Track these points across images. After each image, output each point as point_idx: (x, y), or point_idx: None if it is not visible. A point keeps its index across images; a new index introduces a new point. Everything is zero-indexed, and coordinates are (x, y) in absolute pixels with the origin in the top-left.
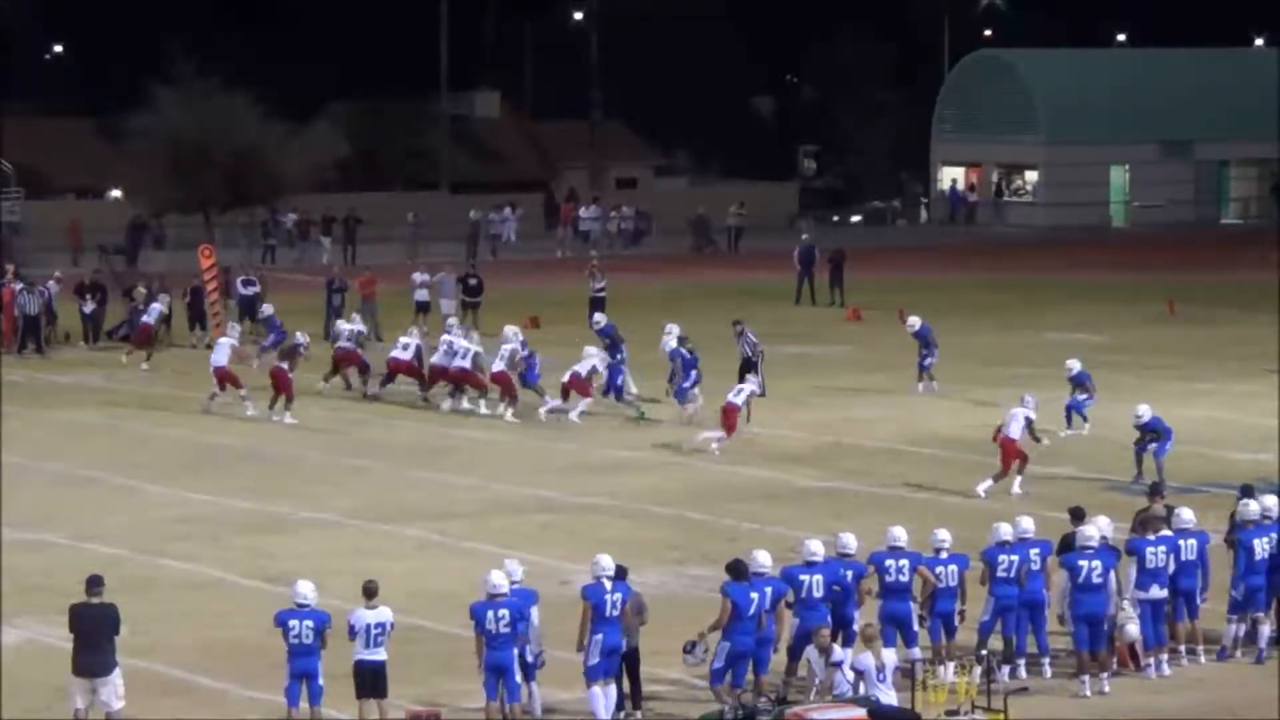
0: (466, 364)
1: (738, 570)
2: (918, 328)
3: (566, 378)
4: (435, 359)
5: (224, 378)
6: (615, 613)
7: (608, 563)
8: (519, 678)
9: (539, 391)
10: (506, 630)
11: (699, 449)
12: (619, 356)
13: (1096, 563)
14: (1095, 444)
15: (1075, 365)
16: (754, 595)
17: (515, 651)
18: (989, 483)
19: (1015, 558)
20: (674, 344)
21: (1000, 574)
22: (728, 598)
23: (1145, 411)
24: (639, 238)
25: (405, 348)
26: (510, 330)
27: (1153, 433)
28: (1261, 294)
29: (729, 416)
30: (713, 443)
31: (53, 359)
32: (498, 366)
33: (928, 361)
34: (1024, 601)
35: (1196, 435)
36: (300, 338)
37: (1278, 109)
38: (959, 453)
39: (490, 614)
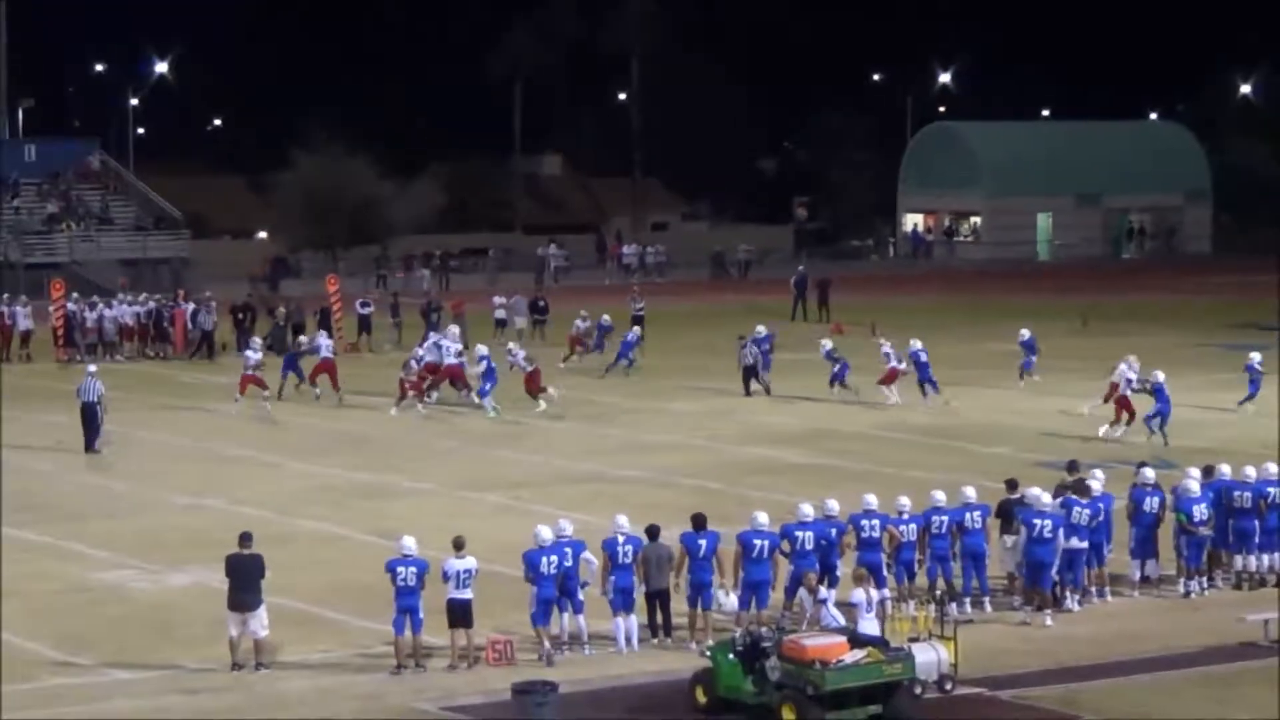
0: (456, 361)
1: (694, 521)
2: (1026, 338)
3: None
4: (428, 357)
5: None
6: (627, 560)
7: (623, 521)
8: (569, 610)
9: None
10: (554, 572)
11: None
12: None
13: (1048, 521)
14: (1027, 429)
15: (1025, 333)
16: (701, 541)
17: (555, 592)
18: (1107, 428)
19: (946, 518)
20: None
21: (934, 531)
22: (682, 545)
23: (1159, 376)
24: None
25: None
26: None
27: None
28: (1153, 312)
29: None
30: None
31: (214, 364)
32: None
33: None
34: (966, 552)
35: (1104, 423)
36: (321, 340)
37: (1167, 169)
38: (920, 437)
39: (544, 559)
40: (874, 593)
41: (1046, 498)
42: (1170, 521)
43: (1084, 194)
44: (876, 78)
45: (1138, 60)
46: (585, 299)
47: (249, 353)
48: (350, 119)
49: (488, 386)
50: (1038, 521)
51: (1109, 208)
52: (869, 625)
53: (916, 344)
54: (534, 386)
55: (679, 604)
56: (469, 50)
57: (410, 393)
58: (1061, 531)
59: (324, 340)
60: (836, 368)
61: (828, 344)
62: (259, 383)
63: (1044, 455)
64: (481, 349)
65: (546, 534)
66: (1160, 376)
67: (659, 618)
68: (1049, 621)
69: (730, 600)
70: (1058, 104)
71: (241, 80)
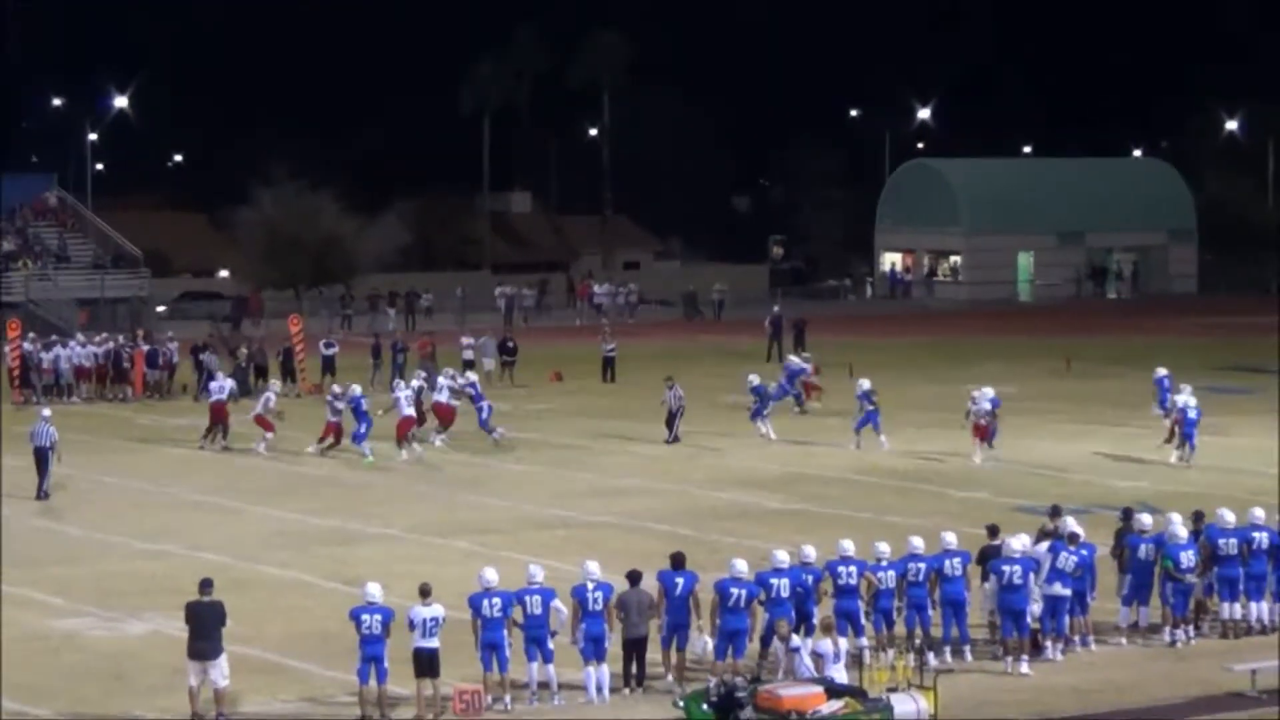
0: (447, 401)
1: (672, 560)
2: (756, 384)
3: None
4: (408, 409)
5: (259, 422)
6: (598, 607)
7: (593, 567)
8: (539, 659)
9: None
10: (499, 615)
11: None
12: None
13: (1017, 568)
14: (1007, 472)
15: (865, 383)
16: (679, 580)
17: (505, 634)
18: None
19: (923, 565)
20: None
21: (910, 578)
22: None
23: (1187, 391)
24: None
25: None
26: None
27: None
28: (1138, 353)
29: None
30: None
31: (173, 405)
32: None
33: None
34: (946, 600)
35: (1085, 466)
36: (271, 390)
37: (1151, 206)
38: (896, 481)
39: (485, 602)
40: (842, 643)
41: (1019, 543)
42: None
43: (1066, 232)
44: (854, 113)
45: (1120, 96)
46: (555, 339)
47: (214, 384)
48: (313, 154)
49: (363, 429)
50: (1006, 568)
51: (1092, 246)
52: (837, 676)
53: (865, 384)
54: (401, 433)
55: (655, 646)
56: (435, 84)
57: (329, 436)
58: (1033, 577)
59: (272, 393)
60: (866, 412)
61: (865, 384)
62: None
63: (1024, 499)
64: (355, 389)
65: (491, 576)
66: (1187, 400)
67: (633, 667)
68: (1026, 669)
69: (705, 645)
70: (1039, 141)
71: (202, 114)
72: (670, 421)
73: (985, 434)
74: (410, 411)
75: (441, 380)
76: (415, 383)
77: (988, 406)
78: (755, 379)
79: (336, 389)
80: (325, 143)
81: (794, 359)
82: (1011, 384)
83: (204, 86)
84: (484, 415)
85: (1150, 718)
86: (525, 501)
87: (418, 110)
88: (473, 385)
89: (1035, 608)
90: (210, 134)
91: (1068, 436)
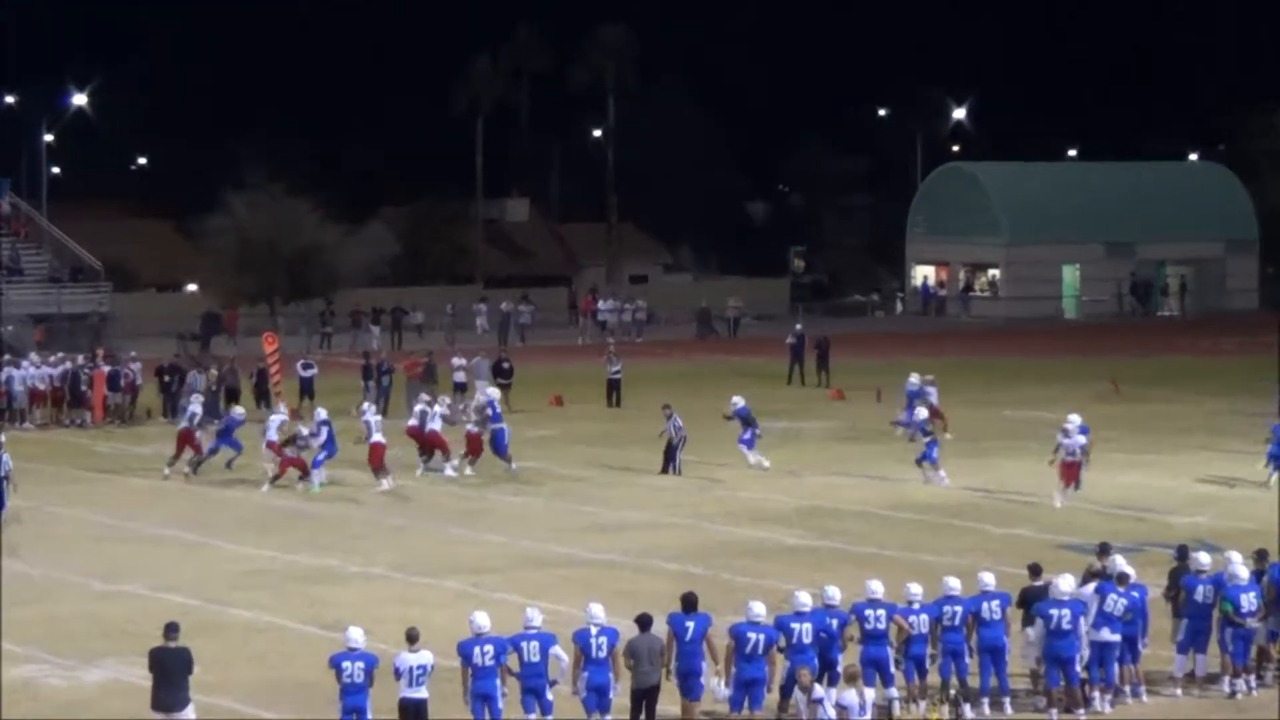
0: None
1: (683, 602)
2: (739, 407)
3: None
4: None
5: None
6: (602, 654)
7: (597, 610)
8: (536, 711)
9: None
10: (492, 663)
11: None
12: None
13: (1066, 611)
14: (1046, 508)
15: (738, 400)
16: (689, 624)
17: (499, 683)
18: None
19: (959, 608)
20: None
21: (946, 622)
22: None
23: None
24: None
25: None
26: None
27: None
28: (1193, 375)
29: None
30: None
31: (135, 432)
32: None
33: (747, 436)
34: (984, 646)
35: (1137, 501)
36: (237, 413)
37: (1207, 214)
38: (928, 515)
39: (477, 649)
40: (870, 693)
41: (1067, 584)
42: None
43: (1115, 242)
44: (881, 112)
45: (1175, 94)
46: (556, 360)
47: (193, 408)
48: (292, 156)
49: (322, 457)
50: (1054, 612)
51: (1142, 258)
52: None
53: (922, 412)
54: (375, 461)
55: (667, 696)
56: (426, 82)
57: (280, 468)
58: (1083, 621)
59: (196, 407)
60: (925, 443)
61: (922, 413)
62: (281, 457)
63: (1070, 536)
64: (320, 413)
65: (483, 620)
66: None
67: (643, 717)
68: None
69: (722, 689)
70: (1085, 143)
71: (169, 113)
72: (670, 454)
73: (1074, 474)
74: (380, 437)
75: (436, 408)
76: (419, 406)
77: (1082, 440)
78: (739, 401)
79: (321, 413)
80: (305, 144)
81: (914, 378)
82: (1054, 409)
83: (172, 83)
84: (502, 440)
85: None
86: (522, 537)
87: (407, 110)
88: (491, 404)
89: (1083, 655)
90: (179, 135)
91: (1117, 466)
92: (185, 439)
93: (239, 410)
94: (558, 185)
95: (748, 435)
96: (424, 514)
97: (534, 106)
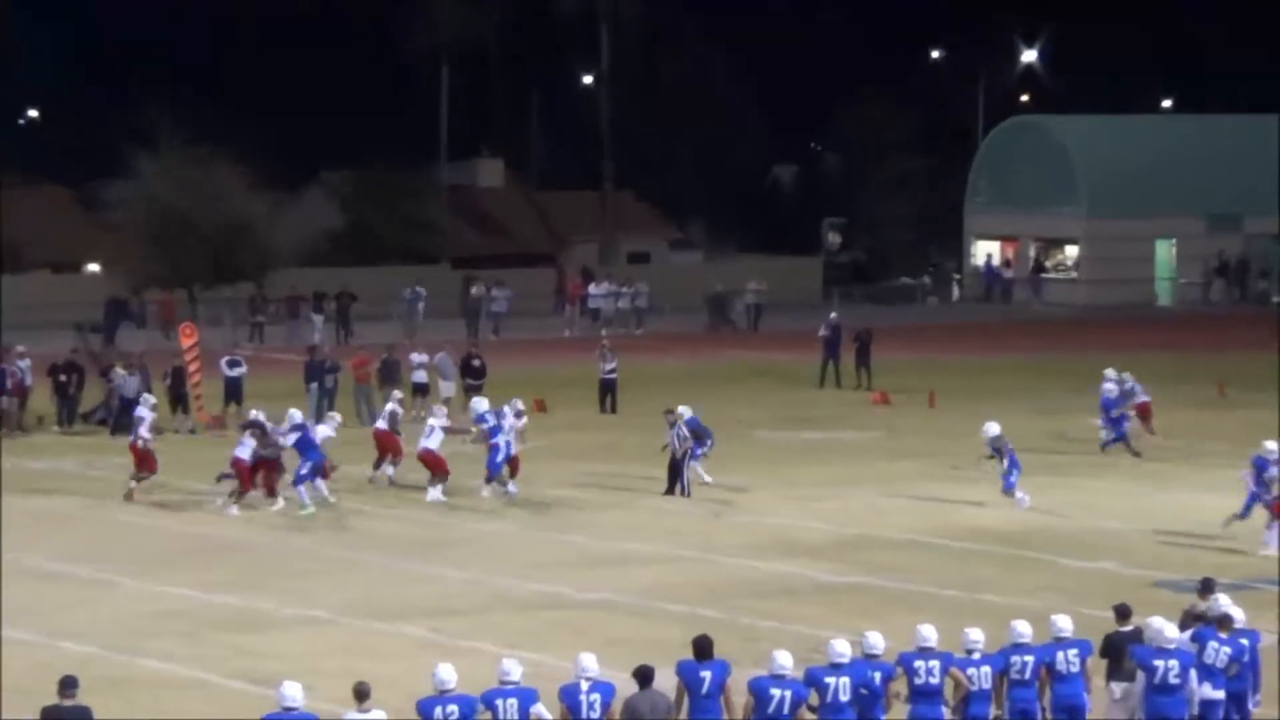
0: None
1: (696, 648)
2: (688, 418)
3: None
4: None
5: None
6: (594, 715)
7: (589, 662)
8: None
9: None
10: None
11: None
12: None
13: (1174, 661)
14: (1140, 535)
15: (686, 411)
16: (705, 674)
17: None
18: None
19: (1030, 658)
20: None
21: (1014, 676)
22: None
23: None
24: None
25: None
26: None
27: None
28: None
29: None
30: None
31: (24, 442)
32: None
33: (699, 452)
34: (1060, 705)
35: (1246, 527)
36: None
37: None
38: (991, 545)
39: (439, 709)
40: None
41: (1172, 631)
42: None
43: (1218, 215)
44: (935, 55)
45: None
46: (537, 356)
47: (143, 412)
48: (212, 111)
49: (305, 470)
50: (1160, 663)
51: (1250, 233)
52: None
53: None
54: (390, 445)
55: None
56: (375, 19)
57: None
58: (1193, 674)
59: (146, 413)
60: (1004, 466)
61: (994, 429)
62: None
63: (1164, 572)
64: (295, 414)
65: (447, 674)
66: None
67: None
68: None
69: None
70: (1182, 92)
71: (65, 60)
72: (675, 469)
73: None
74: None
75: (432, 421)
76: (390, 406)
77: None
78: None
79: (294, 416)
80: (228, 97)
81: (1111, 375)
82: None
83: (67, 25)
84: (498, 456)
85: None
86: (496, 573)
87: (351, 54)
88: (494, 414)
89: (1192, 717)
90: (77, 84)
91: (1222, 487)
92: (139, 456)
93: (147, 403)
94: (539, 144)
95: (698, 450)
96: (375, 545)
97: (509, 45)
